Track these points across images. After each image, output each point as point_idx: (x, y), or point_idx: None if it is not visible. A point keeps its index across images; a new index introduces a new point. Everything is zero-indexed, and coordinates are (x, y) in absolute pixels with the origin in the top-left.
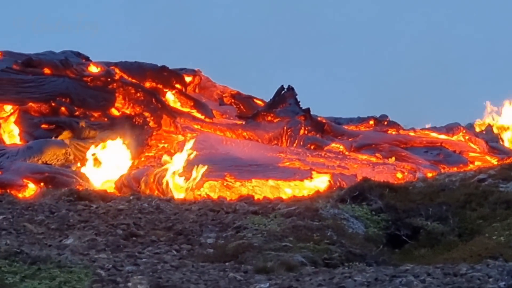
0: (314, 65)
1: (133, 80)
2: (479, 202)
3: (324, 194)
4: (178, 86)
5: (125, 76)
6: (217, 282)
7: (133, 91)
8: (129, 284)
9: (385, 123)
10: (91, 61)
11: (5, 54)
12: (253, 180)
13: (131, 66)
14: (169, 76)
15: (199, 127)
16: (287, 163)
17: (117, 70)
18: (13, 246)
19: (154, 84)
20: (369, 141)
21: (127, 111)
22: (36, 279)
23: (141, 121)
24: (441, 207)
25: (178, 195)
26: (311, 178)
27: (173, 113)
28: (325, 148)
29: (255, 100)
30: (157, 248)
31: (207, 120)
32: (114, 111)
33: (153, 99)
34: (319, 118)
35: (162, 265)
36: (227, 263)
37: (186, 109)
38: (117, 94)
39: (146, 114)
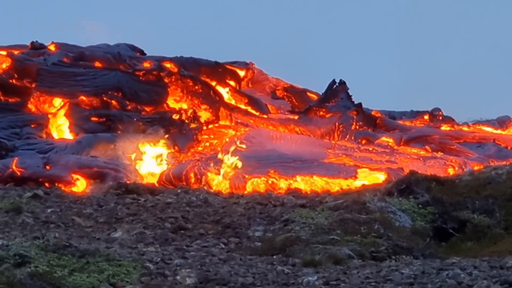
0: (365, 56)
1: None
2: None
3: (371, 187)
4: (232, 83)
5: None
6: (265, 275)
7: (191, 83)
8: (178, 277)
9: (440, 117)
10: (145, 55)
11: (59, 46)
12: (297, 176)
13: (186, 62)
14: (223, 72)
15: (252, 121)
16: (333, 159)
17: (172, 65)
18: (61, 239)
19: (208, 80)
20: (419, 134)
21: (184, 104)
22: (84, 272)
23: (191, 116)
24: (487, 200)
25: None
26: (356, 177)
27: (230, 106)
28: (375, 142)
29: (308, 94)
30: (205, 241)
31: (261, 115)
32: (170, 104)
33: (211, 92)
34: (372, 113)
35: (210, 258)
36: (274, 256)
37: (241, 105)
38: (174, 87)
39: (204, 106)
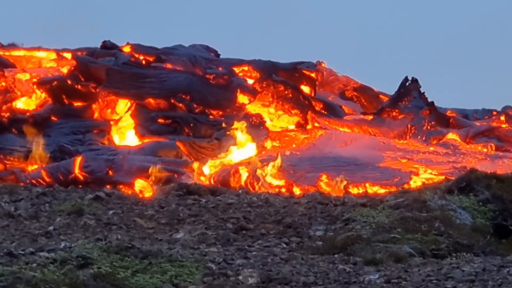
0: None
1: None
2: None
3: (432, 185)
4: (307, 88)
5: (257, 75)
6: (326, 274)
7: (282, 88)
8: (240, 277)
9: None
10: (219, 55)
11: (135, 48)
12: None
13: (264, 65)
14: (300, 77)
15: (328, 123)
16: (390, 162)
17: (249, 68)
18: (124, 241)
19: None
20: (486, 128)
21: (273, 109)
22: (147, 273)
23: (257, 121)
24: None
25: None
26: (408, 184)
27: (316, 110)
28: (441, 142)
29: (378, 94)
30: (267, 241)
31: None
32: (256, 110)
33: (301, 96)
34: (447, 112)
35: (272, 258)
36: (336, 255)
37: (317, 109)
38: (265, 92)
39: (295, 111)
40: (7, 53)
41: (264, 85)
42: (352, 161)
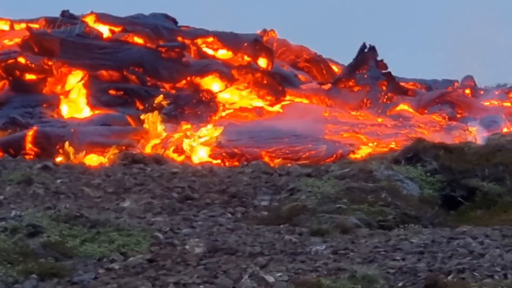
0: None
1: (227, 51)
2: None
3: (378, 155)
4: (265, 60)
5: (220, 46)
6: (273, 245)
7: (259, 75)
8: (187, 246)
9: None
10: (176, 24)
11: (99, 17)
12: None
13: (228, 36)
14: (260, 49)
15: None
16: (331, 136)
17: (213, 39)
18: (72, 209)
19: (245, 57)
20: (438, 95)
21: (247, 93)
22: (95, 242)
23: (208, 97)
24: (497, 167)
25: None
26: (351, 155)
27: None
28: (390, 113)
29: (331, 65)
30: (212, 211)
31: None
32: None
33: (276, 83)
34: (406, 84)
35: (218, 228)
36: (281, 226)
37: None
38: (243, 79)
39: (269, 97)
40: None
41: (242, 73)
42: (291, 133)
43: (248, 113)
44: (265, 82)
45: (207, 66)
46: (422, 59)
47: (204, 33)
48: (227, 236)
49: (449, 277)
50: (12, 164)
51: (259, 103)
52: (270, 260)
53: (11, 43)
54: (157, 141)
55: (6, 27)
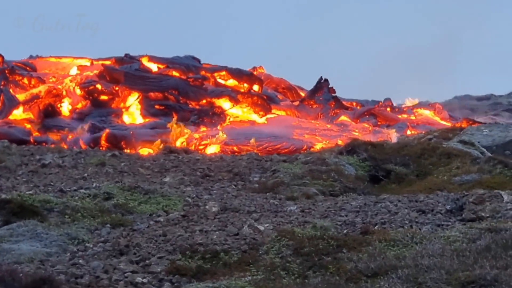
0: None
1: (234, 80)
2: (429, 154)
3: (329, 148)
4: (257, 86)
5: (229, 77)
6: (262, 205)
7: (256, 98)
8: (207, 206)
9: (390, 106)
10: (200, 62)
11: (151, 58)
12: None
13: (234, 71)
14: (254, 79)
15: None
16: (299, 137)
17: (225, 73)
18: (132, 182)
19: (245, 84)
20: (364, 110)
21: (247, 109)
22: (147, 204)
23: (219, 111)
24: (405, 157)
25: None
26: (305, 150)
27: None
28: (336, 122)
29: (299, 91)
30: (223, 183)
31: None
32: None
33: (266, 103)
34: (348, 103)
35: (226, 195)
36: (267, 194)
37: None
38: (244, 100)
39: (261, 113)
40: (53, 59)
41: (245, 97)
42: (270, 135)
43: (246, 123)
44: (259, 102)
45: (222, 92)
46: (359, 83)
47: (219, 69)
48: (233, 200)
49: (376, 227)
50: (92, 153)
51: (254, 115)
52: (261, 216)
53: (92, 74)
54: (183, 138)
55: (88, 63)
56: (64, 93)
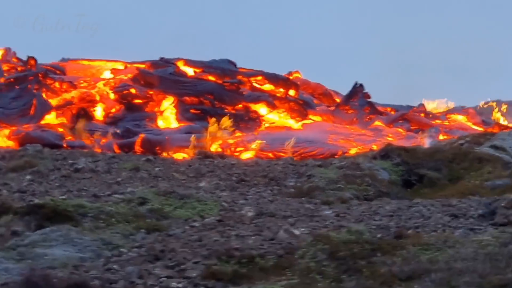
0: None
1: (270, 85)
2: (461, 158)
3: (363, 153)
4: (293, 91)
5: (266, 82)
6: (298, 210)
7: (292, 104)
8: (243, 211)
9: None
10: (236, 66)
11: (187, 62)
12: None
13: (270, 76)
14: (290, 84)
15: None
16: (333, 141)
17: (261, 78)
18: (167, 187)
19: (281, 89)
20: (398, 115)
21: (284, 114)
22: (183, 209)
23: (255, 116)
24: (437, 162)
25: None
26: (346, 154)
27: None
28: (370, 127)
29: (335, 97)
30: (258, 188)
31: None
32: (266, 112)
33: (302, 108)
34: (383, 109)
35: (262, 200)
36: (303, 198)
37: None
38: (281, 105)
39: (298, 118)
40: (85, 62)
41: (281, 102)
42: (306, 140)
43: (281, 128)
44: (295, 108)
45: (259, 97)
46: (393, 88)
47: (255, 73)
48: (268, 205)
49: (409, 231)
50: (126, 158)
51: (291, 121)
52: (297, 220)
53: (126, 77)
54: (218, 143)
55: (122, 67)
56: (97, 97)
